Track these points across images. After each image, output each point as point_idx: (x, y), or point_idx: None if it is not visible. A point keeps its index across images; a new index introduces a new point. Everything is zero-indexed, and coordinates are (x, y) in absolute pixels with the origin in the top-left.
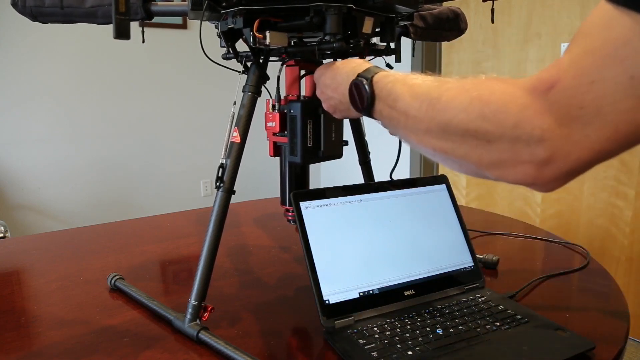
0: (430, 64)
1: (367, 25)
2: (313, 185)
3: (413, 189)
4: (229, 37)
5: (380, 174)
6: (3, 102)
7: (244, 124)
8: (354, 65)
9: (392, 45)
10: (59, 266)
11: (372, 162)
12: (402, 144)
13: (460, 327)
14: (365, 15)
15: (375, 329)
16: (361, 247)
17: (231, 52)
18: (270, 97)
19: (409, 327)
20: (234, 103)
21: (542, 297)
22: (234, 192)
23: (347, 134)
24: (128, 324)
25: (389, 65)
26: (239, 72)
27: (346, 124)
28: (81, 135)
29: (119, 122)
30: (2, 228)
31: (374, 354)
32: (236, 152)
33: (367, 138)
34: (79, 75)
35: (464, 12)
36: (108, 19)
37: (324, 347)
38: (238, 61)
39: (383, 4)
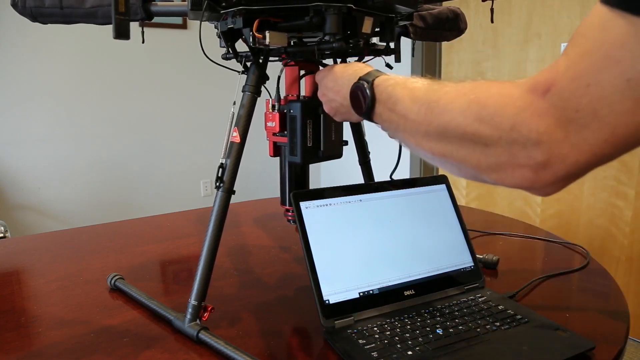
0: (430, 64)
1: (367, 25)
2: (313, 185)
3: (413, 189)
4: (228, 37)
5: (380, 174)
6: (3, 102)
7: (244, 124)
8: (356, 69)
9: (392, 45)
10: (59, 266)
11: (372, 162)
12: (402, 146)
13: (460, 327)
14: (365, 15)
15: (375, 329)
16: (361, 247)
17: (231, 52)
18: (270, 97)
19: (409, 327)
20: (234, 103)
21: (542, 297)
22: (234, 192)
23: (347, 134)
24: (128, 324)
25: (388, 65)
26: (238, 72)
27: (346, 123)
28: (81, 135)
29: (119, 122)
30: (2, 228)
31: (374, 354)
32: (236, 152)
33: (367, 138)
34: (79, 75)
35: (464, 12)
36: (108, 19)
37: (324, 347)
38: (238, 61)
39: (383, 4)
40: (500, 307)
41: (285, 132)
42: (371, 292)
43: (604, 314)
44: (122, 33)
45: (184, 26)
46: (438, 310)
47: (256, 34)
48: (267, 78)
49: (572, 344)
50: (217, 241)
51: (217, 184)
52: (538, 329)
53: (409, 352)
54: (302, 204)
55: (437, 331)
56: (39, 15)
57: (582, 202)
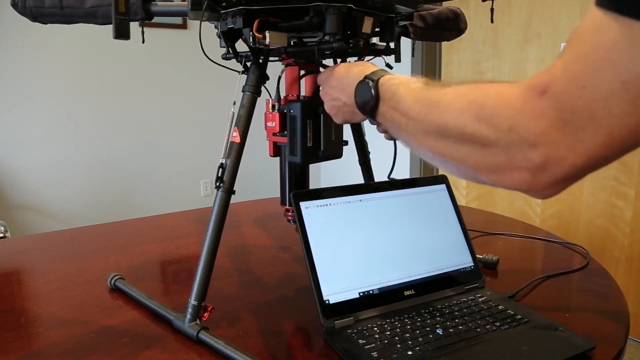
0: (430, 64)
1: (367, 25)
2: (313, 185)
3: (413, 189)
4: (228, 37)
5: (380, 174)
6: (3, 102)
7: (244, 124)
8: (362, 68)
9: (392, 45)
10: (59, 266)
11: (372, 162)
12: (398, 147)
13: (460, 327)
14: (365, 15)
15: (375, 329)
16: (361, 247)
17: (231, 52)
18: (270, 97)
19: (409, 327)
20: (234, 103)
21: (542, 297)
22: (234, 192)
23: (347, 134)
24: (128, 324)
25: (388, 65)
26: (238, 72)
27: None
28: (81, 135)
29: (119, 122)
30: (2, 228)
31: (374, 354)
32: (236, 152)
33: (367, 138)
34: (79, 75)
35: (464, 12)
36: (108, 19)
37: (324, 347)
38: (238, 61)
39: (383, 4)
40: (500, 307)
41: (285, 132)
42: (371, 292)
43: (604, 314)
44: (122, 33)
45: (184, 26)
46: (438, 310)
47: (256, 34)
48: (267, 78)
49: (572, 344)
50: (217, 241)
51: (217, 184)
52: (538, 329)
53: (409, 352)
54: (302, 204)
55: (437, 331)
56: (39, 15)
57: (582, 202)
